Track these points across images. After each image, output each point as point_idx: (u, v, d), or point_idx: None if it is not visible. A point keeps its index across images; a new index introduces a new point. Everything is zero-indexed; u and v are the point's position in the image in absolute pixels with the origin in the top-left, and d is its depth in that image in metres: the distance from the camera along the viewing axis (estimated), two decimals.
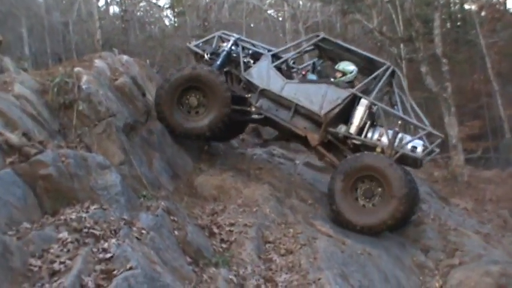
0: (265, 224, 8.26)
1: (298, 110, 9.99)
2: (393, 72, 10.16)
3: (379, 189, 9.29)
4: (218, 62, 10.18)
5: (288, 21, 31.76)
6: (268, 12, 38.23)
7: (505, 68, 22.07)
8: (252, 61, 10.38)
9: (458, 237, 10.49)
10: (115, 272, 4.81)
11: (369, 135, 9.80)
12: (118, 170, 7.10)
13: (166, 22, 43.12)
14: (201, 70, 9.82)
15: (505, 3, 26.76)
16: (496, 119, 23.93)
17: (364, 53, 10.62)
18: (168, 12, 41.43)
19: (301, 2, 35.34)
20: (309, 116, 9.98)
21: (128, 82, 9.57)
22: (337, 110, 9.77)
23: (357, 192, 9.43)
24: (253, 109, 10.18)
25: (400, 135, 9.65)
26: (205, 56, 10.41)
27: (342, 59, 10.55)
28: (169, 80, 9.80)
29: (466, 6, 30.30)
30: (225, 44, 10.54)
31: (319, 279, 6.99)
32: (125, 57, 11.28)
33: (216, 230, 7.63)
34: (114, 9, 39.02)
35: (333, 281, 7.03)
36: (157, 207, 6.80)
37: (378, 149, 9.63)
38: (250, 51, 10.55)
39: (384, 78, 9.99)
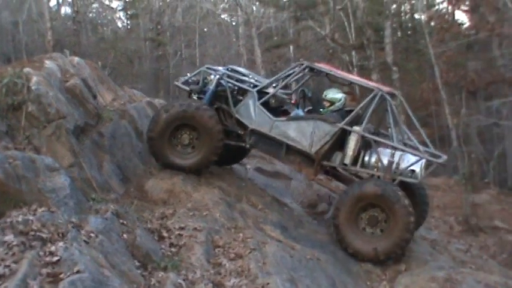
0: (215, 229, 8.26)
1: (289, 147, 9.94)
2: (382, 96, 9.93)
3: (383, 214, 9.22)
4: (205, 101, 10.13)
5: (242, 26, 31.85)
6: (222, 16, 38.27)
7: (453, 78, 22.50)
8: (241, 93, 10.32)
9: None
10: (62, 276, 4.75)
11: (366, 159, 9.75)
12: (67, 172, 7.02)
13: (119, 24, 42.86)
14: (189, 107, 9.78)
15: (453, 14, 27.33)
16: (444, 128, 24.39)
17: (353, 78, 10.59)
18: (121, 14, 41.17)
19: (254, 8, 35.50)
20: (302, 152, 9.89)
21: (78, 84, 9.45)
22: (327, 146, 9.65)
23: (362, 222, 9.35)
24: (248, 146, 10.20)
25: (397, 157, 9.55)
26: (193, 95, 10.40)
27: (331, 80, 10.56)
28: (159, 120, 9.79)
29: (416, 16, 30.90)
30: (211, 77, 10.44)
31: (267, 283, 7.02)
32: (76, 58, 11.15)
33: (165, 234, 7.60)
34: (65, 10, 38.55)
35: (282, 285, 7.06)
36: (106, 211, 6.73)
37: (376, 175, 9.60)
38: (236, 87, 10.40)
39: (373, 104, 9.83)
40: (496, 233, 15.78)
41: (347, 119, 9.69)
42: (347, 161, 9.68)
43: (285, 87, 10.78)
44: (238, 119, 10.15)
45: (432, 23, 26.12)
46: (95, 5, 40.00)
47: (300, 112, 10.46)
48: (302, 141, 9.73)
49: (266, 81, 10.65)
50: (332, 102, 10.10)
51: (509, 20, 20.43)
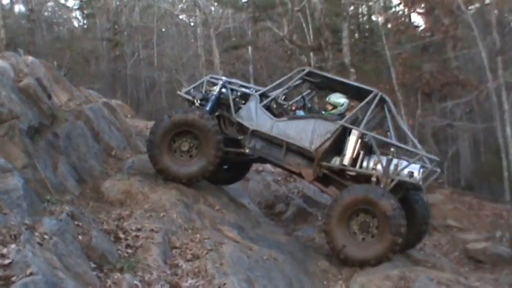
0: (172, 230, 8.23)
1: (290, 148, 9.98)
2: (381, 98, 10.13)
3: (374, 219, 9.30)
4: (208, 107, 10.17)
5: (200, 26, 31.77)
6: (180, 17, 38.11)
7: (408, 79, 22.80)
8: (242, 102, 10.36)
9: None
10: (14, 279, 4.68)
11: (364, 164, 9.82)
12: (21, 173, 6.90)
13: (75, 24, 42.33)
14: (191, 115, 9.80)
15: (409, 17, 27.70)
16: (399, 128, 24.72)
17: (352, 82, 10.71)
18: (77, 13, 40.66)
19: (213, 8, 35.49)
20: (301, 153, 9.96)
21: (32, 84, 9.28)
22: (327, 144, 9.74)
23: (353, 227, 9.42)
24: (247, 150, 10.17)
25: (395, 161, 9.63)
26: (196, 102, 10.37)
27: (331, 89, 10.62)
28: (160, 126, 9.81)
29: (374, 18, 31.21)
30: (214, 88, 10.48)
31: (224, 284, 7.03)
32: (31, 58, 10.98)
33: (121, 235, 7.54)
34: (20, 7, 37.85)
35: (239, 286, 7.08)
36: (61, 212, 6.64)
37: (373, 178, 9.66)
38: (239, 93, 10.47)
39: (373, 105, 9.97)
40: (449, 231, 16.04)
41: (347, 117, 9.95)
42: (346, 162, 9.76)
43: (286, 98, 11.02)
44: (239, 125, 10.21)
45: (389, 25, 26.42)
46: (50, 4, 39.42)
47: (302, 113, 10.57)
48: (303, 139, 9.84)
49: (268, 87, 10.86)
50: (334, 106, 10.27)
51: (463, 22, 20.81)
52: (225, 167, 11.22)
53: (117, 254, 6.94)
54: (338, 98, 10.35)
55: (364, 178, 9.88)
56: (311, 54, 26.06)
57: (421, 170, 9.65)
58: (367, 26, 32.81)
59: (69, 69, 27.87)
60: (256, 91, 10.50)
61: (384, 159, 9.67)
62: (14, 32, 31.47)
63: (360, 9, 32.75)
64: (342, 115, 10.18)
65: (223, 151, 9.97)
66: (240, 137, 10.26)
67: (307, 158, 9.99)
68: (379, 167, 9.68)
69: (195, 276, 7.16)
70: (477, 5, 21.86)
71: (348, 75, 21.54)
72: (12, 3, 37.51)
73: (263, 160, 10.89)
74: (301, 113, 10.58)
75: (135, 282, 6.30)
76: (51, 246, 5.68)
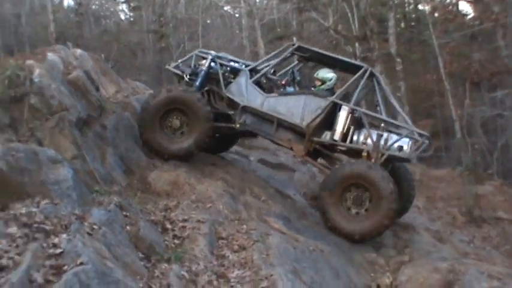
0: (219, 220, 8.25)
1: (280, 123, 10.07)
2: (371, 73, 10.23)
3: (367, 193, 9.41)
4: (198, 82, 10.25)
5: (244, 17, 31.77)
6: (225, 8, 38.18)
7: (456, 69, 22.46)
8: (233, 76, 10.44)
9: (409, 234, 10.69)
10: (65, 268, 4.75)
11: (355, 138, 9.92)
12: (70, 164, 7.00)
13: (122, 16, 42.83)
14: (176, 91, 9.88)
15: (457, 5, 27.23)
16: (448, 119, 24.37)
17: (341, 57, 10.75)
18: (124, 6, 41.12)
19: None
20: (292, 128, 10.06)
21: (81, 76, 9.44)
22: (318, 119, 9.84)
23: (347, 202, 9.54)
24: (237, 126, 10.22)
25: (385, 135, 9.74)
26: (185, 77, 10.47)
27: (320, 63, 10.64)
28: (148, 107, 9.85)
29: (420, 7, 30.78)
30: (203, 62, 10.54)
31: (271, 275, 7.01)
32: (79, 51, 11.14)
33: (168, 226, 7.59)
34: (68, 2, 38.58)
35: (285, 277, 7.06)
36: (109, 203, 6.72)
37: (364, 153, 9.72)
38: (229, 68, 10.53)
39: (363, 81, 10.08)
40: (499, 223, 15.74)
41: (338, 92, 10.06)
42: (337, 137, 9.86)
43: (275, 72, 11.03)
44: (229, 100, 10.25)
45: (436, 14, 26.03)
46: None
47: (291, 89, 10.60)
48: (293, 115, 9.94)
49: (257, 62, 10.92)
50: (323, 81, 10.37)
51: None
52: (217, 135, 11.16)
53: (164, 244, 6.99)
54: (326, 73, 10.43)
55: (354, 152, 10.02)
56: (356, 44, 25.84)
57: (410, 143, 9.77)
58: (413, 15, 32.39)
59: (116, 62, 28.22)
60: (246, 66, 10.55)
61: (374, 134, 9.71)
62: (63, 26, 31.99)
63: None
64: (330, 90, 10.30)
65: (213, 125, 10.00)
66: (231, 112, 10.31)
67: (298, 133, 10.10)
68: (369, 141, 9.74)
69: (242, 267, 7.16)
70: None
71: (393, 65, 21.33)
72: None
73: (252, 133, 10.94)
74: (290, 89, 10.62)
75: (182, 272, 6.34)
76: (100, 236, 5.75)
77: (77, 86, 9.17)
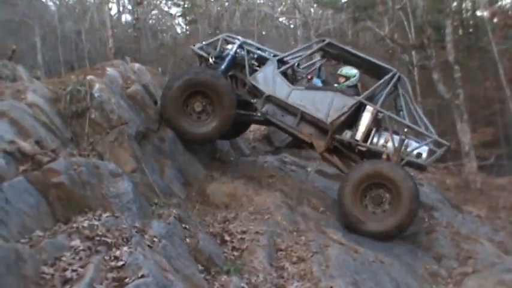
0: (277, 232, 8.24)
1: (304, 117, 10.00)
2: (399, 78, 10.15)
3: (387, 193, 9.38)
4: (223, 66, 10.14)
5: (300, 28, 31.81)
6: (280, 19, 38.29)
7: None
8: (257, 64, 10.36)
9: (471, 245, 10.42)
10: (127, 280, 4.80)
11: (375, 140, 9.85)
12: (130, 177, 7.11)
13: (178, 30, 43.36)
14: (203, 74, 9.78)
15: None
16: (509, 126, 23.86)
17: (370, 58, 10.63)
18: (180, 20, 41.64)
19: (312, 10, 35.43)
20: (315, 123, 10.00)
21: (139, 90, 9.60)
22: (343, 118, 9.80)
23: (366, 199, 9.50)
24: (259, 114, 10.18)
25: (406, 141, 9.67)
26: (210, 59, 10.34)
27: (348, 63, 10.57)
28: (172, 87, 9.75)
29: (478, 13, 30.24)
30: (229, 47, 10.48)
31: (331, 287, 6.97)
32: (137, 65, 11.30)
33: (227, 238, 7.63)
34: (126, 17, 39.32)
35: None
36: (169, 215, 6.80)
37: (384, 156, 9.66)
38: (256, 56, 10.45)
39: (390, 84, 10.02)
40: None
41: (366, 93, 9.96)
42: (359, 136, 9.80)
43: (299, 65, 11.10)
44: (252, 87, 10.15)
45: (495, 20, 25.54)
46: (154, 12, 40.58)
47: (319, 82, 10.55)
48: (319, 110, 9.88)
49: (286, 53, 10.78)
50: (347, 78, 10.28)
51: None
52: None
53: (224, 256, 7.03)
54: (350, 70, 10.32)
55: (372, 154, 9.93)
56: (413, 52, 25.53)
57: (428, 151, 9.72)
58: (471, 22, 31.82)
59: (173, 75, 28.53)
60: (273, 56, 10.42)
61: (396, 138, 9.67)
62: (122, 41, 32.61)
63: (464, 5, 31.82)
64: (354, 87, 10.21)
65: (236, 109, 9.87)
66: (252, 100, 10.21)
67: (320, 129, 10.01)
68: (389, 144, 9.70)
69: (301, 278, 7.13)
70: None
71: (451, 73, 20.96)
72: (119, 13, 38.99)
73: (269, 122, 10.68)
74: (318, 82, 10.53)
75: (242, 284, 6.35)
76: (160, 248, 5.81)
77: (135, 100, 9.33)
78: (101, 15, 33.26)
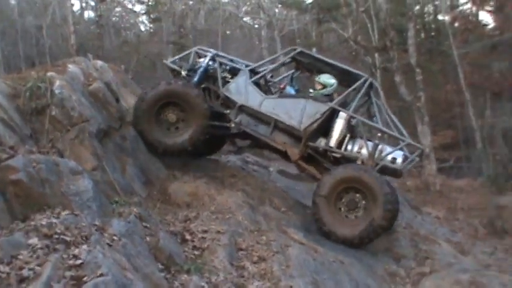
0: (238, 231, 8.25)
1: (277, 125, 10.02)
2: (371, 84, 10.21)
3: (361, 197, 9.39)
4: (196, 79, 10.16)
5: (264, 29, 31.87)
6: (244, 19, 38.31)
7: (477, 79, 22.37)
8: (230, 76, 10.36)
9: (429, 245, 10.60)
10: (85, 279, 4.75)
11: (349, 147, 9.88)
12: (90, 175, 7.04)
13: (142, 28, 43.05)
14: (176, 85, 9.80)
15: (477, 15, 27.10)
16: (468, 129, 24.24)
17: (342, 65, 10.69)
18: (144, 18, 41.30)
19: (277, 10, 35.53)
20: (289, 131, 10.01)
21: (101, 87, 9.49)
22: (316, 124, 9.82)
23: (340, 204, 9.50)
24: (233, 125, 10.16)
25: (380, 146, 9.73)
26: (183, 72, 10.35)
27: (319, 71, 10.60)
28: (145, 98, 9.76)
29: (440, 17, 30.66)
30: (201, 60, 10.49)
31: (290, 286, 7.01)
32: (99, 62, 11.20)
33: (188, 237, 7.60)
34: (89, 14, 38.85)
35: None
36: (129, 214, 6.74)
37: (358, 161, 9.71)
38: (228, 67, 10.46)
39: (363, 90, 10.06)
40: None
41: (338, 99, 10.02)
42: (332, 143, 9.84)
43: (271, 76, 11.10)
44: (225, 98, 10.18)
45: (456, 24, 25.96)
46: (118, 9, 40.24)
47: (292, 90, 10.59)
48: (292, 118, 9.90)
49: (257, 63, 10.86)
50: (324, 86, 10.28)
51: None
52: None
53: (184, 255, 7.00)
54: (328, 79, 10.35)
55: (346, 161, 9.96)
56: (376, 54, 25.78)
57: (403, 156, 9.78)
58: (433, 26, 32.26)
59: (136, 73, 28.32)
60: (245, 66, 10.47)
61: (369, 144, 9.75)
62: (84, 37, 32.26)
63: (426, 9, 32.26)
64: (329, 96, 10.23)
65: (209, 120, 9.88)
66: (226, 111, 10.23)
67: (294, 137, 10.04)
68: (363, 150, 9.76)
69: (261, 278, 7.15)
70: None
71: (413, 76, 21.23)
72: (82, 9, 38.55)
73: (247, 136, 10.74)
74: (291, 90, 10.59)
75: (202, 283, 6.34)
76: (120, 247, 5.76)
77: (97, 98, 9.23)
78: (62, 10, 32.82)
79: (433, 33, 31.96)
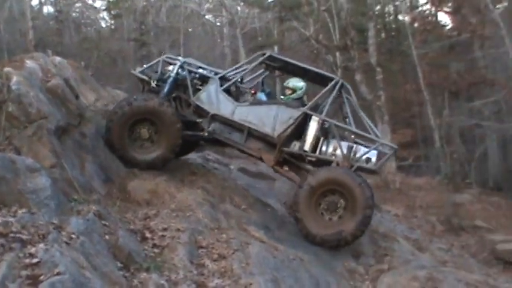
0: (198, 229, 8.22)
1: (251, 132, 10.02)
2: (342, 85, 10.24)
3: (341, 199, 9.47)
4: (165, 89, 10.07)
5: (226, 26, 31.85)
6: (206, 17, 38.20)
7: (435, 79, 22.70)
8: (200, 83, 10.31)
9: (388, 242, 10.73)
10: (42, 278, 4.68)
11: (324, 148, 9.93)
12: (48, 173, 6.93)
13: (103, 24, 42.65)
14: (152, 102, 9.69)
15: (436, 16, 27.50)
16: (427, 128, 24.59)
17: (312, 68, 10.73)
18: (105, 14, 40.93)
19: (239, 8, 35.52)
20: (263, 138, 10.02)
21: (60, 84, 9.35)
22: (289, 130, 9.84)
23: (321, 207, 9.56)
24: (206, 134, 10.13)
25: (354, 147, 9.80)
26: (152, 83, 10.26)
27: (291, 73, 10.64)
28: (119, 113, 9.66)
29: (400, 18, 31.04)
30: (171, 68, 10.38)
31: (250, 284, 7.01)
32: (58, 58, 11.05)
33: (148, 235, 7.55)
34: (48, 9, 38.29)
35: (265, 286, 7.06)
36: (88, 212, 6.66)
37: (334, 164, 9.77)
38: (197, 75, 10.40)
39: (334, 92, 10.09)
40: (477, 232, 15.95)
41: (310, 103, 10.02)
42: (307, 147, 9.87)
43: (242, 80, 10.97)
44: (197, 107, 10.13)
45: (415, 25, 26.29)
46: (78, 5, 39.73)
47: (263, 96, 10.58)
48: (265, 125, 9.90)
49: (227, 70, 10.86)
50: (294, 90, 10.33)
51: (491, 21, 20.61)
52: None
53: (144, 253, 6.95)
54: (297, 82, 10.43)
55: (322, 163, 10.01)
56: (337, 53, 25.98)
57: (377, 155, 9.88)
58: (393, 26, 32.67)
59: (96, 70, 28.01)
60: (215, 74, 10.45)
61: (344, 145, 9.83)
62: (43, 33, 31.78)
63: (386, 9, 32.65)
64: (300, 99, 10.30)
65: (182, 138, 9.90)
66: (198, 120, 10.22)
67: (268, 143, 10.08)
68: (338, 152, 9.83)
69: (221, 276, 7.15)
70: (505, 3, 21.66)
71: (373, 75, 21.48)
72: (41, 4, 37.99)
73: (219, 141, 10.71)
74: (262, 96, 10.61)
75: (162, 282, 6.30)
76: (78, 245, 5.69)
77: (56, 94, 9.08)
78: (20, 4, 32.26)
79: (393, 33, 32.34)
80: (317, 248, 9.42)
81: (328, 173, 9.53)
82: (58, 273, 4.77)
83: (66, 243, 5.56)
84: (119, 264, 6.24)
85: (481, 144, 25.02)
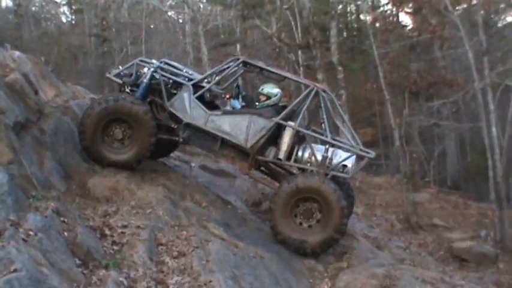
0: (159, 226, 8.21)
1: (225, 141, 9.98)
2: (317, 92, 10.16)
3: (317, 207, 9.44)
4: (139, 94, 9.94)
5: (188, 23, 31.74)
6: (169, 14, 37.99)
7: (395, 78, 22.97)
8: (175, 87, 10.22)
9: (348, 241, 10.82)
10: None
11: (299, 154, 9.87)
12: (6, 169, 6.87)
13: (63, 19, 42.08)
14: (124, 102, 9.58)
15: (397, 16, 27.87)
16: (387, 127, 24.88)
17: (287, 74, 10.73)
18: (65, 9, 40.41)
19: (201, 5, 35.45)
20: (237, 146, 9.96)
21: (19, 79, 9.22)
22: (263, 140, 9.75)
23: (297, 215, 9.54)
24: (181, 140, 10.08)
25: (330, 152, 9.75)
26: (126, 88, 10.17)
27: (265, 77, 10.63)
28: (92, 114, 9.53)
29: (362, 17, 31.37)
30: (145, 70, 10.27)
31: (210, 281, 7.04)
32: (17, 53, 10.90)
33: (107, 232, 7.51)
34: (7, 2, 37.66)
35: (224, 283, 7.09)
36: (46, 208, 6.62)
37: (309, 170, 9.74)
38: (171, 81, 10.28)
39: (309, 100, 10.03)
40: (434, 230, 16.24)
41: (283, 113, 9.84)
42: (281, 155, 9.82)
43: (219, 83, 10.81)
44: (172, 113, 10.08)
45: (377, 24, 26.61)
46: None
47: (237, 103, 10.53)
48: (238, 135, 9.81)
49: (201, 75, 10.72)
50: (268, 97, 10.25)
51: (450, 22, 20.96)
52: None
53: (103, 250, 6.92)
54: (272, 89, 10.35)
55: (298, 168, 10.03)
56: (299, 52, 26.11)
57: (353, 161, 9.83)
58: (355, 25, 33.03)
59: (57, 65, 27.68)
60: (189, 80, 10.30)
61: (320, 150, 9.81)
62: (1, 27, 31.28)
63: (349, 8, 32.97)
64: (275, 106, 10.22)
65: (156, 137, 9.84)
66: (173, 125, 10.18)
67: (242, 151, 10.05)
68: (313, 159, 9.77)
69: (181, 273, 7.16)
70: (464, 5, 22.02)
71: (335, 74, 21.65)
72: None
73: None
74: (235, 103, 10.55)
75: (121, 279, 6.29)
76: (36, 242, 5.65)
77: (14, 89, 8.96)
78: None
79: (354, 33, 32.69)
80: (277, 246, 9.48)
81: (304, 181, 9.44)
82: (15, 270, 4.74)
83: (24, 240, 5.52)
84: (78, 261, 6.22)
85: (440, 143, 25.49)
